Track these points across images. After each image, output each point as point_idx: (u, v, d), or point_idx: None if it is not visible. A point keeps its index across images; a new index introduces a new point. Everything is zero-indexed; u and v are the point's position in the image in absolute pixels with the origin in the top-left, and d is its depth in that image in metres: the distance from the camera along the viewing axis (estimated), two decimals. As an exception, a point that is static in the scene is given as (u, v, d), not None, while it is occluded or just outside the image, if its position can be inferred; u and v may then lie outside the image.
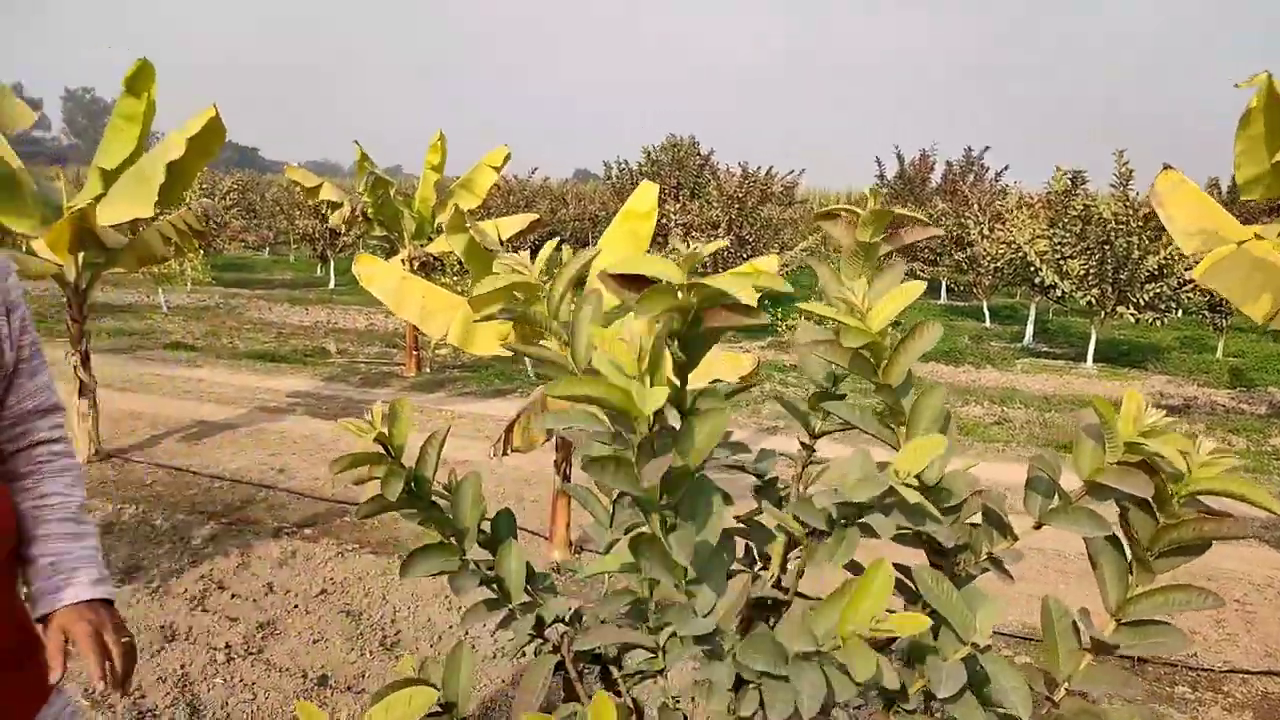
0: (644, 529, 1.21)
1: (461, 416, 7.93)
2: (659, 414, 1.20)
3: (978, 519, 1.40)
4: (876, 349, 1.33)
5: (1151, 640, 1.32)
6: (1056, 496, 1.33)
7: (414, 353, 9.72)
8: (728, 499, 1.39)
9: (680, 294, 1.21)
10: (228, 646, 3.60)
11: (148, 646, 3.56)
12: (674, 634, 1.27)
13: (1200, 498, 1.30)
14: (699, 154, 20.87)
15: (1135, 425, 1.25)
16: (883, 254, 1.64)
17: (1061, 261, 11.67)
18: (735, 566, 1.60)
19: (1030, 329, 14.34)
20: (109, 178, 5.47)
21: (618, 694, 1.64)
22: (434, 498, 1.44)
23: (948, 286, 19.91)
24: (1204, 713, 3.39)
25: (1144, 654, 1.29)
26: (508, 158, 9.72)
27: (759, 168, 16.13)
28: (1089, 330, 12.45)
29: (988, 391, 10.01)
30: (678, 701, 1.53)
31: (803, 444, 1.65)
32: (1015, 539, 1.35)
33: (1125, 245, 10.87)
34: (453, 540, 1.45)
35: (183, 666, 3.42)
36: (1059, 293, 11.99)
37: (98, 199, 5.32)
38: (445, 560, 1.45)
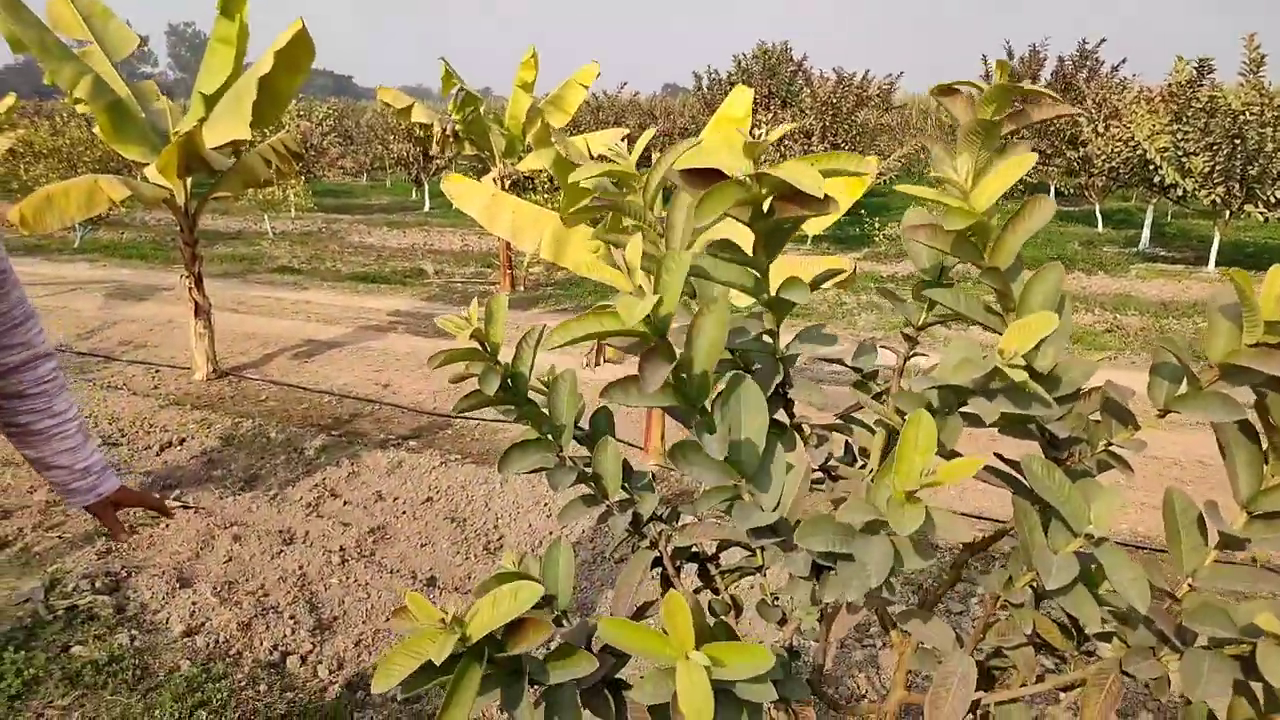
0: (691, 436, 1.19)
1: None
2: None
3: (1095, 414, 1.33)
4: (981, 229, 1.25)
5: (1283, 534, 1.24)
6: (1185, 382, 1.24)
7: (508, 271, 9.81)
8: (785, 400, 1.36)
9: (749, 186, 1.16)
10: (342, 549, 3.78)
11: (269, 549, 3.76)
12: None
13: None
14: (791, 60, 20.11)
15: (1277, 305, 1.15)
16: (1005, 134, 1.53)
17: (1184, 158, 10.91)
18: (835, 463, 1.57)
19: (1147, 232, 13.55)
20: (210, 101, 5.59)
21: (715, 591, 1.64)
22: (530, 395, 1.43)
23: (1057, 190, 18.93)
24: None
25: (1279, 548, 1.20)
26: (597, 75, 9.56)
27: (854, 73, 15.48)
28: (1211, 232, 11.69)
29: (1099, 298, 9.55)
30: (776, 598, 1.52)
31: (905, 336, 1.59)
32: (1137, 428, 1.27)
33: (1257, 138, 10.07)
34: (549, 437, 1.45)
35: (301, 567, 3.61)
36: (1180, 192, 11.25)
37: (201, 122, 5.46)
38: (542, 456, 1.45)
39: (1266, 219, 10.68)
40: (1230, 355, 1.18)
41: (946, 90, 1.54)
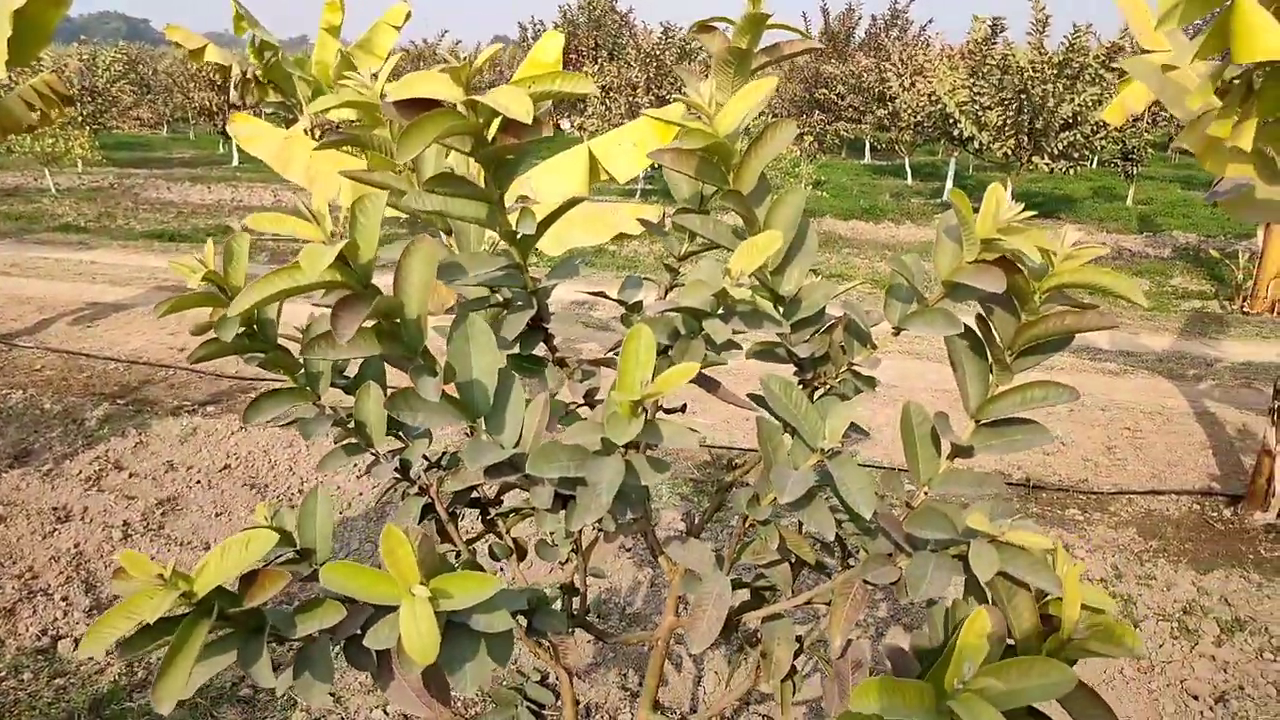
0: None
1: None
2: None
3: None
4: (723, 152, 1.24)
5: (1010, 438, 1.31)
6: (915, 302, 1.29)
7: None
8: (546, 334, 1.33)
9: (464, 115, 1.10)
10: (125, 524, 3.50)
11: (39, 528, 3.44)
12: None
13: (1067, 292, 1.27)
14: (616, 12, 19.99)
15: (993, 222, 1.20)
16: (758, 66, 1.54)
17: (980, 113, 11.62)
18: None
19: (949, 184, 14.41)
20: (-47, 37, 4.96)
21: (499, 535, 1.60)
22: (284, 341, 1.33)
23: (871, 145, 19.82)
24: (1091, 531, 3.56)
25: (1004, 451, 1.28)
26: (408, 15, 9.15)
27: (680, 26, 15.56)
28: (1005, 184, 12.56)
29: (905, 246, 10.09)
30: (554, 536, 1.49)
31: (667, 267, 1.58)
32: (874, 347, 1.31)
33: (1040, 94, 10.85)
34: (306, 385, 1.36)
35: (77, 545, 3.32)
36: (976, 144, 12.00)
37: (-58, 60, 4.83)
38: (294, 404, 1.36)
39: (1051, 170, 11.56)
40: (952, 273, 1.23)
41: (705, 27, 1.54)
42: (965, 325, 1.30)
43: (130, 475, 3.96)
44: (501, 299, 1.38)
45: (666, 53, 13.33)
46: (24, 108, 5.38)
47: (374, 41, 9.20)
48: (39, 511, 3.58)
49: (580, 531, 1.39)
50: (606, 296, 1.49)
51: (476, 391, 1.16)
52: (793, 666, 1.43)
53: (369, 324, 1.15)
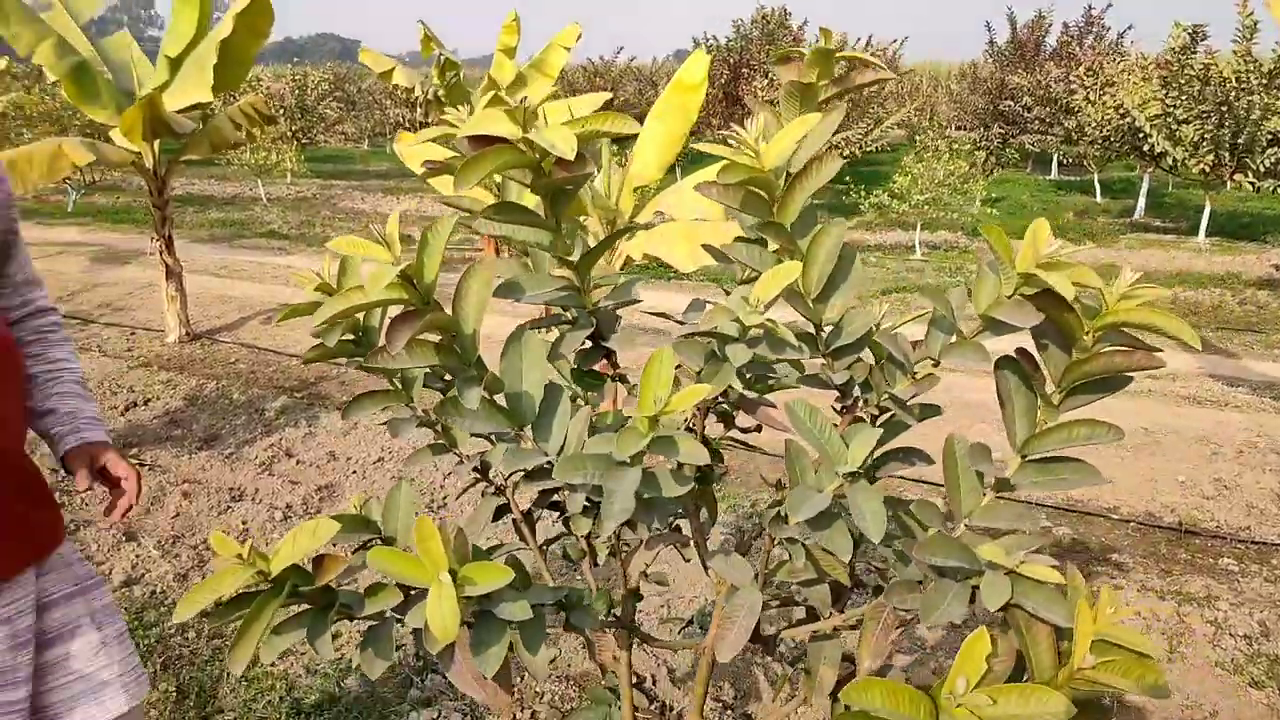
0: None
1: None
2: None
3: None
4: (765, 185, 1.30)
5: (1057, 476, 1.30)
6: (954, 335, 1.30)
7: (490, 238, 9.85)
8: (607, 351, 1.41)
9: (523, 150, 1.21)
10: (288, 506, 3.87)
11: (216, 505, 3.86)
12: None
13: (1126, 330, 1.25)
14: (789, 27, 19.90)
15: (1033, 257, 1.20)
16: (826, 97, 1.58)
17: (1175, 127, 10.83)
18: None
19: (1141, 202, 13.48)
20: (174, 65, 5.63)
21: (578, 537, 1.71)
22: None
23: (1059, 160, 18.79)
24: (1244, 584, 3.30)
25: (1050, 489, 1.27)
26: (579, 37, 9.53)
27: (857, 39, 15.33)
28: (1205, 203, 11.63)
29: (1082, 267, 9.55)
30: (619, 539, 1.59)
31: (726, 292, 1.65)
32: (913, 376, 1.33)
33: (1245, 106, 9.99)
34: (400, 387, 1.51)
35: (244, 523, 3.71)
36: (1170, 161, 11.18)
37: (164, 85, 5.50)
38: (388, 405, 1.52)
39: (1257, 189, 10.61)
40: (989, 308, 1.24)
41: (783, 58, 1.59)
42: (1013, 358, 1.30)
43: (297, 462, 4.36)
44: (570, 317, 1.49)
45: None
46: (231, 127, 6.02)
47: (546, 61, 9.65)
48: (218, 490, 4.01)
49: (618, 536, 1.47)
50: (669, 318, 1.57)
51: (524, 402, 1.28)
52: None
53: (434, 338, 1.29)
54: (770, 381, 1.44)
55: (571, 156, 1.18)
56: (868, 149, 13.14)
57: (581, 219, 4.81)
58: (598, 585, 1.55)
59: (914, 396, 1.33)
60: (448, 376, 1.56)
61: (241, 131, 6.17)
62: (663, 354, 1.14)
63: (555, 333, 1.46)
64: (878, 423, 1.39)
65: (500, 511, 1.61)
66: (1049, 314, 1.24)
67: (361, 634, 1.32)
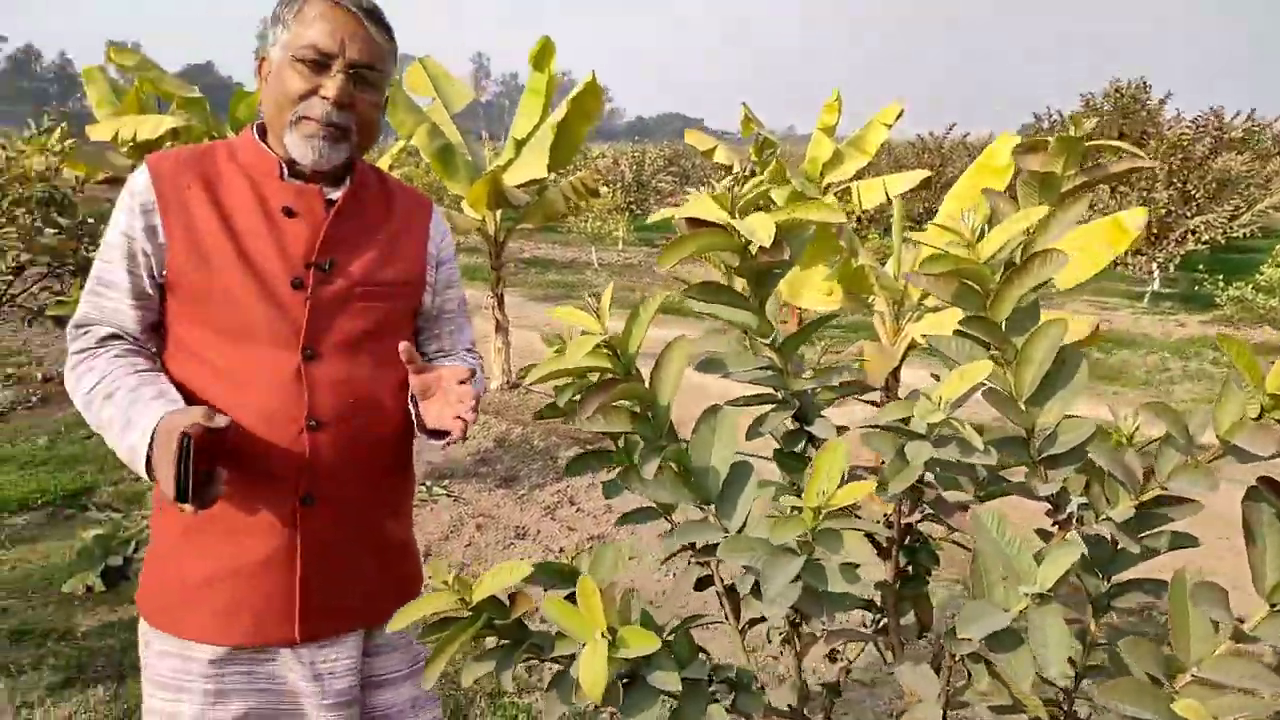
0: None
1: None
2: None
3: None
4: (979, 278, 1.24)
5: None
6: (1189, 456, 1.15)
7: (795, 310, 9.94)
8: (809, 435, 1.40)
9: (728, 234, 1.26)
10: (561, 550, 4.15)
11: (502, 540, 4.23)
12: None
13: None
14: (1146, 100, 18.24)
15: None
16: (1070, 189, 1.49)
17: None
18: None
19: None
20: (519, 145, 6.37)
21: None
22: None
23: None
24: None
25: (1304, 652, 1.08)
26: (900, 114, 9.46)
27: (1237, 113, 13.69)
28: None
29: None
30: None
31: (934, 376, 1.57)
32: (1137, 500, 1.19)
33: None
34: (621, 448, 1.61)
35: (520, 559, 4.02)
36: None
37: (508, 164, 6.24)
38: (609, 466, 1.62)
39: None
40: (1229, 431, 1.09)
41: (1030, 146, 1.53)
42: (1268, 488, 1.13)
43: (578, 510, 4.66)
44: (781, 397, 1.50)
45: (1198, 144, 11.87)
46: (561, 200, 6.66)
47: (865, 139, 9.67)
48: (506, 526, 4.40)
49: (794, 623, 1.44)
50: (872, 402, 1.53)
51: (710, 478, 1.31)
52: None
53: (634, 406, 1.37)
54: (991, 488, 1.35)
55: (768, 244, 1.22)
56: (1234, 234, 11.63)
57: (868, 298, 4.76)
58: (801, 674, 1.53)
59: (1162, 522, 1.18)
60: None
61: (570, 203, 6.80)
62: (837, 446, 1.13)
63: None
64: (1120, 546, 1.26)
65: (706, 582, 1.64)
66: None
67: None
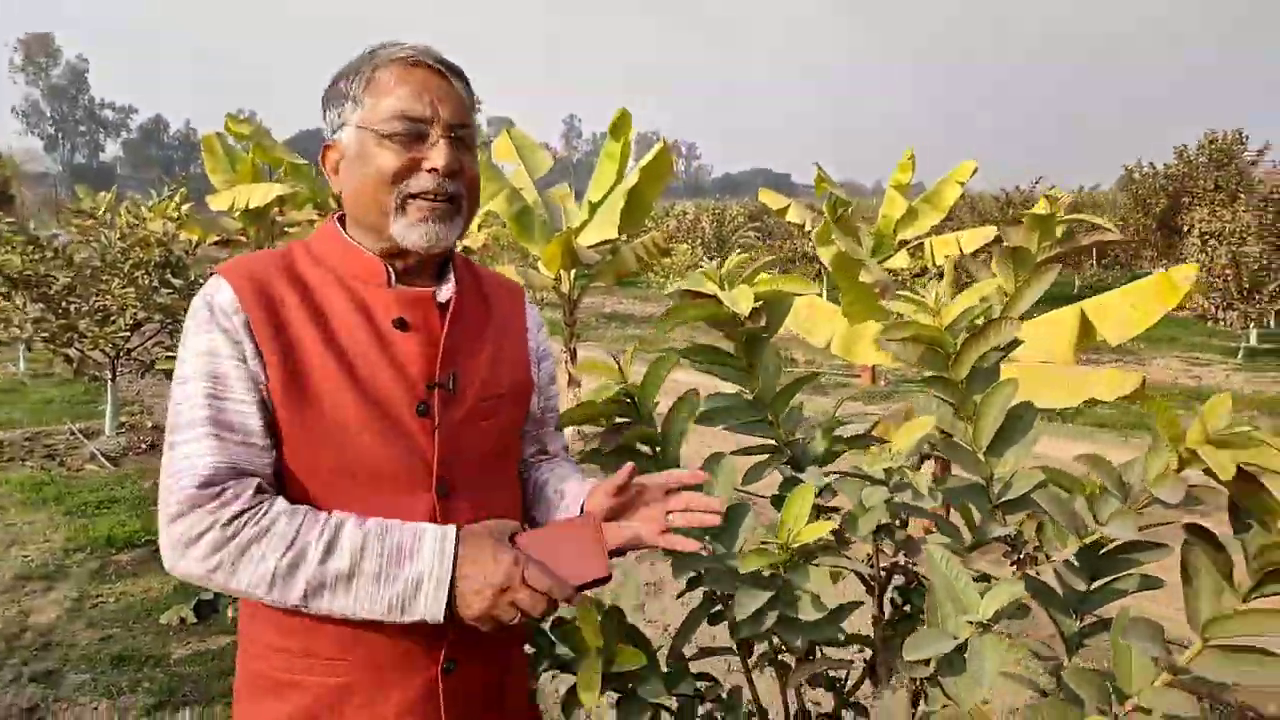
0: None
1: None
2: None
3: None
4: (940, 342, 1.39)
5: (1242, 668, 1.20)
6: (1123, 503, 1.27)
7: (869, 367, 9.97)
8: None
9: (716, 304, 1.44)
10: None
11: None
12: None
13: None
14: (1239, 152, 17.78)
15: (1202, 433, 1.18)
16: (1043, 260, 1.64)
17: None
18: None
19: None
20: (594, 208, 6.69)
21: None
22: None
23: None
24: None
25: (1234, 680, 1.18)
26: (974, 171, 9.53)
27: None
28: None
29: None
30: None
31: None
32: (1081, 541, 1.31)
33: None
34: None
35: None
36: None
37: (582, 225, 6.55)
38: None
39: None
40: (1155, 480, 1.21)
41: (1011, 221, 1.68)
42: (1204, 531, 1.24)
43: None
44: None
45: (1293, 196, 11.53)
46: (633, 259, 6.93)
47: (940, 195, 9.76)
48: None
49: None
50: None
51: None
52: None
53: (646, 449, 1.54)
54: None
55: (746, 313, 1.40)
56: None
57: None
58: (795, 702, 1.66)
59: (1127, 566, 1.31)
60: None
61: (642, 262, 7.07)
62: (805, 489, 1.29)
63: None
64: (1093, 586, 1.39)
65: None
66: (1241, 493, 1.19)
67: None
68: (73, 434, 7.03)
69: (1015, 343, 1.48)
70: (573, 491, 1.35)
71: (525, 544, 1.13)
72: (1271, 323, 12.76)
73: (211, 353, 1.13)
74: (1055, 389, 3.83)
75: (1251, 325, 11.75)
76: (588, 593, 1.13)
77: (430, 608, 1.08)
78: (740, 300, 1.40)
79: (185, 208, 7.96)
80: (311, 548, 1.08)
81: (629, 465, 1.24)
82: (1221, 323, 11.66)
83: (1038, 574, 1.36)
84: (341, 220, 1.27)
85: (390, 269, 1.22)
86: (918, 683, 1.39)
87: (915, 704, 1.46)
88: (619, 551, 1.27)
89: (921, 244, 9.31)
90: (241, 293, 1.15)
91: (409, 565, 1.08)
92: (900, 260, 9.65)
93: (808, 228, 10.17)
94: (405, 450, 1.17)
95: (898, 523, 1.46)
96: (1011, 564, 1.40)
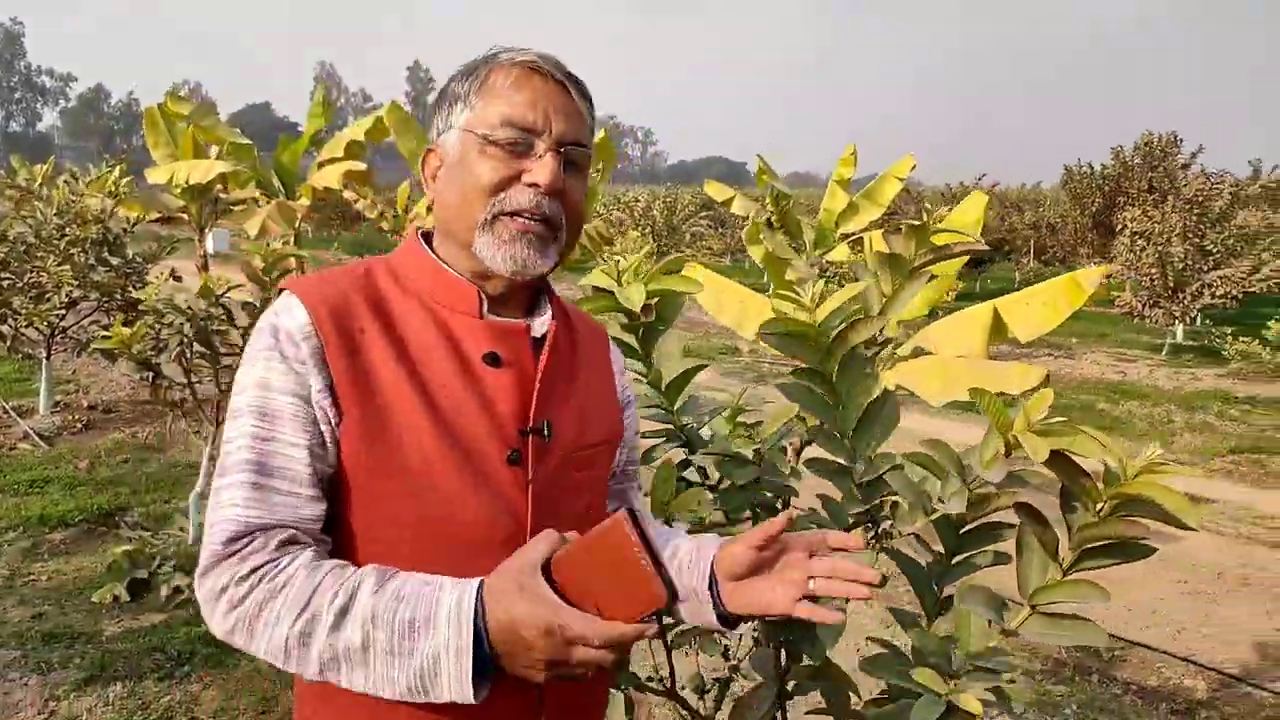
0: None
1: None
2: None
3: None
4: (811, 338, 1.53)
5: (1060, 631, 1.37)
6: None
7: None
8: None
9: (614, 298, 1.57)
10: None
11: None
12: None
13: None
14: (1173, 154, 18.38)
15: (1025, 423, 1.33)
16: (917, 265, 1.78)
17: None
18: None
19: None
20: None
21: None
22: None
23: None
24: None
25: (1055, 641, 1.34)
26: (913, 167, 9.79)
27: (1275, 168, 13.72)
28: None
29: None
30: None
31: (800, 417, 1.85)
32: (928, 517, 1.46)
33: None
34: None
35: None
36: None
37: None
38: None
39: None
40: (987, 465, 1.37)
41: (894, 229, 1.83)
42: (1036, 511, 1.40)
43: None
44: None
45: (1215, 200, 12.01)
46: (576, 248, 7.03)
47: (879, 191, 10.01)
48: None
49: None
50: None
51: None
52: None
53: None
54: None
55: (637, 309, 1.52)
56: (1251, 289, 11.71)
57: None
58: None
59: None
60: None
61: (585, 250, 7.16)
62: (667, 468, 1.42)
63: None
64: (955, 560, 1.54)
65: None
66: (1064, 478, 1.35)
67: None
68: (5, 412, 6.95)
69: (887, 340, 1.63)
70: (685, 548, 1.14)
71: (564, 577, 0.92)
72: (1198, 320, 13.28)
73: (265, 385, 1.00)
74: (965, 381, 4.02)
75: (1177, 322, 12.23)
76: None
77: (455, 687, 0.90)
78: (632, 296, 1.53)
79: (124, 182, 7.86)
80: (324, 613, 0.92)
81: (787, 513, 1.03)
82: (1148, 320, 12.11)
83: (894, 549, 1.52)
84: (427, 238, 1.14)
85: (483, 296, 1.08)
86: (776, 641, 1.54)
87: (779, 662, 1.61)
88: (745, 617, 1.10)
89: (861, 238, 9.54)
90: (317, 315, 1.01)
91: (424, 639, 0.91)
92: (841, 253, 9.87)
93: (751, 219, 10.36)
94: (494, 503, 1.03)
95: (780, 503, 1.61)
96: (870, 539, 1.55)
